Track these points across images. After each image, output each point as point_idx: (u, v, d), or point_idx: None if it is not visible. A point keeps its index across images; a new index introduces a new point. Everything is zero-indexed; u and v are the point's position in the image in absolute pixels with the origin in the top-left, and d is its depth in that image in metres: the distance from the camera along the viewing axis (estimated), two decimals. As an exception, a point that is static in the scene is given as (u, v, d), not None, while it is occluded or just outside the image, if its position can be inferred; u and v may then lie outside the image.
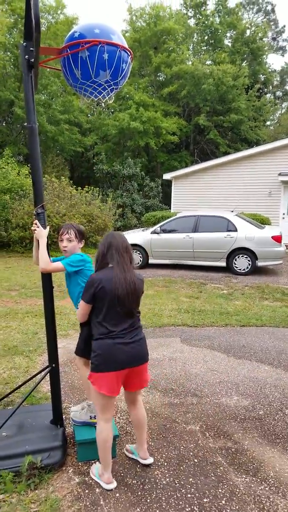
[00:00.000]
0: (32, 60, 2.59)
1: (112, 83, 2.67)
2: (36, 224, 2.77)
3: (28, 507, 2.29)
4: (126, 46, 2.64)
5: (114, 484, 2.50)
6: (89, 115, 27.76)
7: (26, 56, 2.60)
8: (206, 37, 30.49)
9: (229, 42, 30.73)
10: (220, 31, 29.11)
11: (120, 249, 2.49)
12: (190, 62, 27.55)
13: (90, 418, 2.86)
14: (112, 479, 2.51)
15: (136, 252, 10.43)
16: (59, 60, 2.76)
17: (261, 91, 30.43)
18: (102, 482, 2.51)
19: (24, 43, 2.59)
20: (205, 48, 31.00)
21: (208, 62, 28.07)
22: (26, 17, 2.53)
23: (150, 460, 2.71)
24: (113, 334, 2.39)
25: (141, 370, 2.52)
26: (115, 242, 2.52)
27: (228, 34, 30.56)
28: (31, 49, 2.56)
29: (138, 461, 2.74)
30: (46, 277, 2.83)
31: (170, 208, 18.75)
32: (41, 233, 2.75)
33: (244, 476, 2.65)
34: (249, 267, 9.63)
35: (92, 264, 2.79)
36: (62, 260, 2.77)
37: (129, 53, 2.68)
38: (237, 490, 2.51)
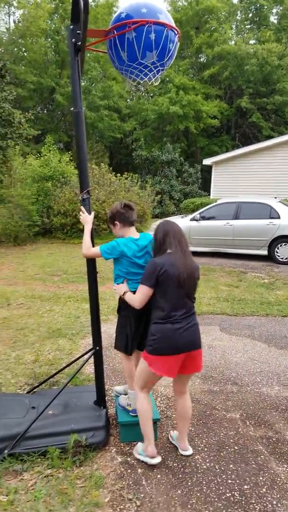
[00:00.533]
0: (79, 43, 2.58)
1: (158, 64, 2.60)
2: (81, 209, 2.82)
3: (74, 483, 2.40)
4: (174, 24, 2.56)
5: (158, 459, 2.58)
6: (128, 100, 27.66)
7: (73, 39, 2.59)
8: (250, 15, 29.29)
9: (275, 19, 29.39)
10: (265, 7, 27.81)
11: (177, 235, 2.56)
12: (233, 42, 26.67)
13: (127, 405, 2.93)
14: (156, 453, 2.58)
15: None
16: (104, 43, 2.74)
17: (308, 71, 29.04)
18: (147, 458, 2.59)
19: (71, 26, 2.58)
20: (249, 26, 29.81)
21: (252, 42, 27.02)
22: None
23: (189, 452, 2.73)
24: (173, 319, 2.42)
25: (197, 355, 2.53)
26: (171, 229, 2.58)
27: (274, 11, 29.16)
28: (78, 31, 2.54)
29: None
30: (91, 262, 2.88)
31: (209, 195, 18.49)
32: (86, 219, 2.80)
33: (285, 466, 2.65)
34: (292, 255, 9.38)
35: (127, 251, 2.71)
36: (100, 246, 2.73)
37: (176, 32, 2.60)
38: (278, 479, 2.52)
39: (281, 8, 28.48)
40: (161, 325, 2.43)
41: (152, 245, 2.66)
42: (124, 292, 2.68)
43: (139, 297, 2.52)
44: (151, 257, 2.71)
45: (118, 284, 2.78)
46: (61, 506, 2.22)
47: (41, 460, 2.58)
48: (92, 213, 2.85)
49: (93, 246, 2.78)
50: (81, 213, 2.83)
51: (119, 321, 2.90)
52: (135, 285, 2.66)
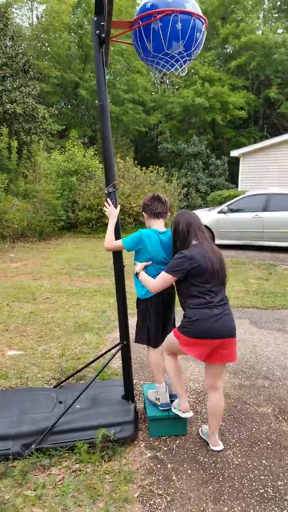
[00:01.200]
0: (103, 35, 2.54)
1: (185, 54, 2.53)
2: (107, 202, 2.78)
3: (103, 478, 2.37)
4: (201, 13, 2.48)
5: (191, 413, 2.72)
6: (153, 93, 27.47)
7: (97, 31, 2.54)
8: (278, 3, 28.51)
9: (303, 6, 28.49)
10: (294, -6, 27.07)
11: (199, 226, 2.57)
12: (260, 32, 26.02)
13: (156, 400, 2.88)
14: (188, 408, 2.71)
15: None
16: (129, 34, 2.69)
17: None
18: (180, 412, 2.69)
19: (95, 18, 2.53)
20: (276, 15, 29.02)
21: (280, 31, 26.30)
22: None
23: (220, 447, 2.67)
24: (211, 305, 2.42)
25: (232, 343, 2.48)
26: (193, 220, 2.55)
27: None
28: (102, 23, 2.50)
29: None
30: (117, 256, 2.84)
31: (237, 187, 18.17)
32: (112, 212, 2.77)
33: None
34: None
35: (147, 242, 2.68)
36: (123, 238, 2.73)
37: (203, 21, 2.52)
38: (313, 477, 2.42)
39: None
40: (199, 310, 2.42)
41: (173, 237, 2.60)
42: (137, 273, 2.70)
43: (158, 283, 2.53)
44: (171, 253, 2.68)
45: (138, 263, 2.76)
46: (90, 501, 2.20)
47: (69, 455, 2.56)
48: (118, 207, 2.81)
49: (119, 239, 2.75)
50: (106, 205, 2.80)
51: (139, 314, 2.89)
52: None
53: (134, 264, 2.79)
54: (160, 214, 2.79)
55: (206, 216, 10.29)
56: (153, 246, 2.69)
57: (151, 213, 2.78)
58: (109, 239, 2.71)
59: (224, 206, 10.20)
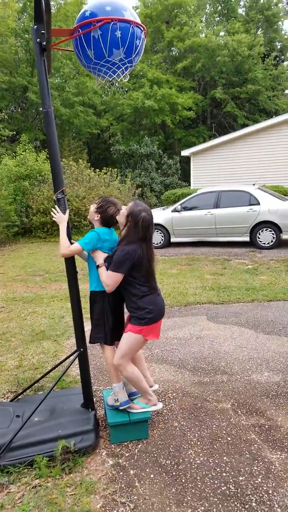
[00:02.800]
0: (44, 43, 2.53)
1: (126, 61, 2.58)
2: (54, 209, 2.74)
3: (64, 491, 2.31)
4: (139, 21, 2.53)
5: (161, 404, 2.92)
6: (103, 96, 27.41)
7: (38, 40, 2.55)
8: (219, 8, 29.37)
9: (243, 11, 29.50)
10: (233, 0, 27.94)
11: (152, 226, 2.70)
12: (204, 35, 26.65)
13: (115, 401, 2.85)
14: (156, 399, 2.90)
15: (157, 231, 10.34)
16: (71, 41, 2.67)
17: (278, 59, 29.06)
18: (153, 407, 2.84)
19: (35, 26, 2.54)
20: (218, 19, 29.93)
21: (222, 34, 27.07)
22: None
23: (155, 387, 3.06)
24: (155, 290, 2.71)
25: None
26: (152, 220, 2.67)
27: (241, 3, 29.31)
28: (42, 31, 2.50)
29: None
30: (70, 262, 2.80)
31: (189, 185, 18.46)
32: (61, 219, 2.75)
33: (279, 452, 2.61)
34: (274, 240, 9.41)
35: (109, 239, 2.79)
36: (78, 241, 2.72)
37: (142, 29, 2.58)
38: (273, 467, 2.47)
39: (248, 0, 28.56)
40: (149, 297, 2.67)
41: (126, 227, 2.64)
42: (99, 265, 2.73)
43: (112, 281, 2.62)
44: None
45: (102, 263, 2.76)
46: (51, 516, 2.13)
47: (28, 470, 2.47)
48: (67, 212, 2.79)
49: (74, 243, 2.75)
50: (55, 212, 2.76)
51: (95, 311, 2.85)
52: None
53: (89, 257, 2.84)
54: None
55: (161, 215, 10.38)
56: (109, 243, 2.78)
57: (111, 220, 2.82)
58: (65, 244, 2.70)
59: (177, 205, 10.32)
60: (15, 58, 22.22)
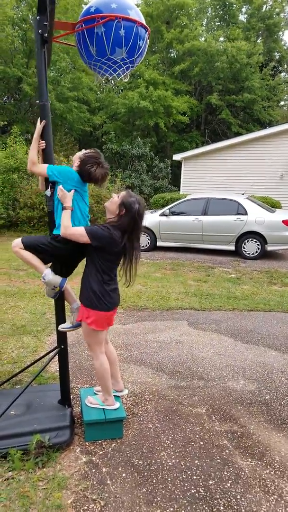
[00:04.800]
0: (46, 35, 2.51)
1: (128, 61, 2.57)
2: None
3: (36, 485, 2.33)
4: (144, 22, 2.53)
5: (118, 404, 2.89)
6: (98, 93, 27.32)
7: (40, 31, 2.51)
8: (220, 12, 29.53)
9: (244, 17, 29.71)
10: (235, 6, 28.13)
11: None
12: (203, 39, 26.79)
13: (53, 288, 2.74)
14: (114, 401, 2.90)
15: (144, 234, 10.38)
16: (71, 35, 2.67)
17: (276, 69, 29.43)
18: (108, 406, 2.86)
19: (38, 17, 2.49)
20: (218, 24, 30.05)
21: (222, 39, 27.26)
22: None
23: (125, 392, 3.10)
24: (114, 283, 2.72)
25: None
26: (143, 213, 2.64)
27: (243, 10, 29.49)
28: (45, 23, 2.47)
29: (115, 395, 2.99)
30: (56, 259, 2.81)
31: (179, 190, 18.56)
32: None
33: (249, 459, 2.67)
34: (258, 251, 9.55)
35: (76, 185, 2.62)
36: (48, 165, 2.60)
37: (146, 30, 2.57)
38: (242, 474, 2.54)
39: (250, 7, 28.81)
40: (107, 287, 2.65)
41: (120, 215, 2.55)
42: (66, 208, 2.55)
43: (73, 233, 2.50)
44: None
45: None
46: (22, 509, 2.15)
47: (1, 462, 2.49)
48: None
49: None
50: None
51: (46, 239, 2.71)
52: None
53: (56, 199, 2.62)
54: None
55: (149, 218, 10.42)
56: (74, 180, 2.61)
57: (87, 176, 2.62)
58: (31, 157, 2.57)
59: (166, 209, 10.38)
60: (11, 47, 21.97)
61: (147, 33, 2.60)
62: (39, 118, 2.63)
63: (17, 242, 2.67)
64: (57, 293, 2.76)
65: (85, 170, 2.58)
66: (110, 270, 2.64)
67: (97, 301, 2.61)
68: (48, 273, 2.70)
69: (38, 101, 2.64)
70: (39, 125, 2.62)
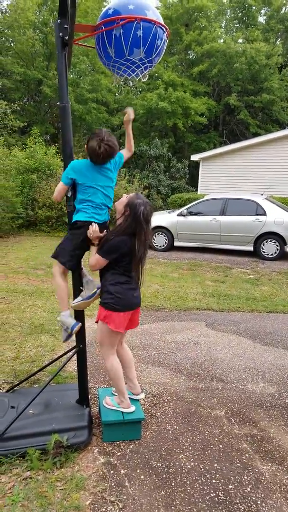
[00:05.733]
0: (67, 37, 2.54)
1: (146, 60, 2.57)
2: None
3: (54, 485, 2.32)
4: (162, 22, 2.52)
5: (133, 408, 2.84)
6: (116, 94, 27.43)
7: (61, 34, 2.56)
8: (239, 14, 29.36)
9: (263, 19, 29.47)
10: (254, 8, 27.95)
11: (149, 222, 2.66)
12: (222, 40, 26.65)
13: (66, 330, 2.79)
14: (130, 404, 2.85)
15: (161, 234, 10.35)
16: (92, 38, 2.68)
17: (295, 70, 29.17)
18: (123, 408, 2.83)
19: (59, 20, 2.54)
20: (237, 25, 29.85)
21: (240, 41, 27.08)
22: None
23: (142, 396, 3.02)
24: (131, 283, 2.71)
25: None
26: (149, 216, 2.62)
27: (262, 11, 29.27)
28: (66, 26, 2.51)
29: (132, 398, 2.95)
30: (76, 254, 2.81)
31: (196, 190, 18.47)
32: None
33: (270, 464, 2.62)
34: (277, 252, 9.41)
35: (87, 173, 2.64)
36: (61, 179, 2.69)
37: (164, 30, 2.57)
38: (263, 478, 2.48)
39: (269, 9, 28.57)
40: (123, 287, 2.67)
41: (124, 216, 2.60)
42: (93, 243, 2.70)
43: (96, 265, 2.68)
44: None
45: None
46: (40, 510, 2.14)
47: (20, 462, 2.49)
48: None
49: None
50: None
51: (68, 237, 2.77)
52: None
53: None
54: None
55: (166, 218, 10.40)
56: (88, 169, 2.64)
57: (93, 155, 2.60)
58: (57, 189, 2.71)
59: (183, 209, 10.33)
60: (31, 50, 22.26)
61: (165, 33, 2.60)
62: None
63: (55, 269, 2.79)
64: (69, 336, 2.79)
65: (89, 148, 2.57)
66: (126, 271, 2.67)
67: (112, 302, 2.64)
68: (66, 314, 2.79)
69: (58, 103, 2.66)
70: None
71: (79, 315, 2.87)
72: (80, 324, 2.77)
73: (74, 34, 2.63)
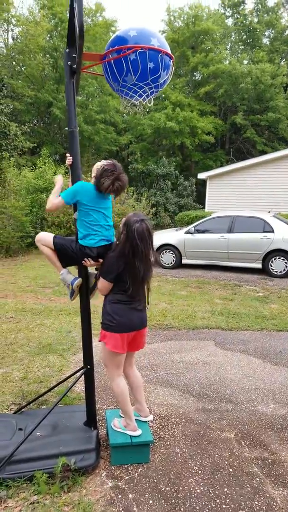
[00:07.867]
0: (75, 66, 2.63)
1: (153, 86, 2.67)
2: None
3: (61, 510, 2.28)
4: (168, 50, 2.63)
5: (140, 431, 2.78)
6: (124, 115, 27.93)
7: (69, 62, 2.67)
8: (244, 37, 30.04)
9: (267, 41, 30.10)
10: (258, 30, 28.62)
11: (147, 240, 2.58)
12: (228, 62, 27.20)
13: (67, 286, 2.86)
14: (137, 427, 2.80)
15: (169, 252, 10.37)
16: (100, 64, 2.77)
17: (300, 90, 29.53)
18: (129, 431, 2.78)
19: (67, 49, 2.66)
20: (242, 47, 30.55)
21: (245, 62, 27.62)
22: (69, 24, 2.57)
23: (150, 417, 3.00)
24: (132, 303, 2.68)
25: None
26: (146, 233, 2.54)
27: (266, 33, 29.94)
28: (74, 55, 2.60)
29: (140, 420, 2.93)
30: (83, 277, 2.82)
31: (204, 208, 18.54)
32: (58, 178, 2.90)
33: (281, 489, 2.55)
34: (286, 269, 9.36)
35: (93, 197, 2.68)
36: (60, 193, 2.72)
37: (170, 57, 2.67)
38: (274, 504, 2.42)
39: (273, 31, 29.24)
40: (122, 306, 2.65)
41: (122, 236, 2.59)
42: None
43: (102, 289, 2.70)
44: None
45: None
46: (46, 535, 2.11)
47: (27, 485, 2.45)
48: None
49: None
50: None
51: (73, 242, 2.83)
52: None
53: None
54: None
55: (174, 236, 10.43)
56: (94, 193, 2.68)
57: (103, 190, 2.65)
58: (50, 199, 2.75)
59: (191, 227, 10.36)
60: (42, 74, 22.86)
61: (171, 60, 2.69)
62: (67, 153, 2.80)
63: (44, 239, 2.82)
64: (72, 292, 2.83)
65: (101, 182, 2.60)
66: (126, 290, 2.61)
67: (109, 322, 2.63)
68: (64, 272, 2.86)
69: (67, 128, 2.75)
70: (59, 181, 2.89)
71: (81, 273, 2.87)
72: (80, 279, 2.80)
73: (82, 62, 2.72)
